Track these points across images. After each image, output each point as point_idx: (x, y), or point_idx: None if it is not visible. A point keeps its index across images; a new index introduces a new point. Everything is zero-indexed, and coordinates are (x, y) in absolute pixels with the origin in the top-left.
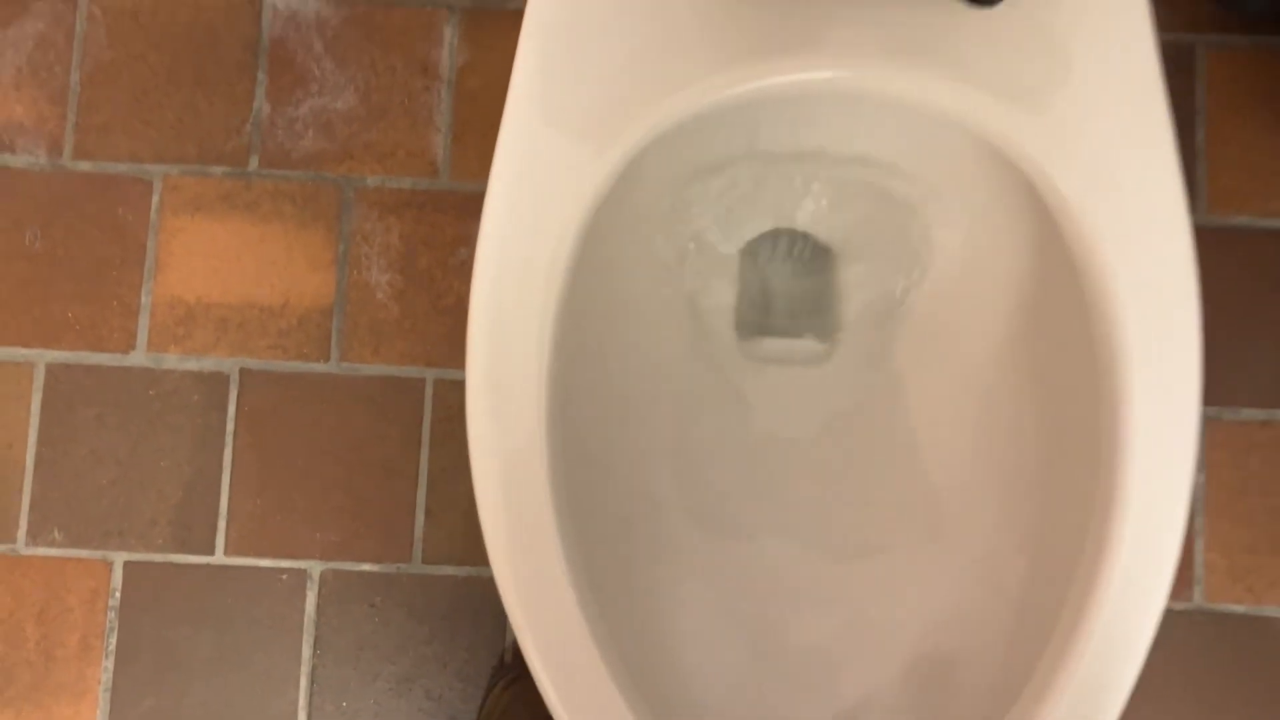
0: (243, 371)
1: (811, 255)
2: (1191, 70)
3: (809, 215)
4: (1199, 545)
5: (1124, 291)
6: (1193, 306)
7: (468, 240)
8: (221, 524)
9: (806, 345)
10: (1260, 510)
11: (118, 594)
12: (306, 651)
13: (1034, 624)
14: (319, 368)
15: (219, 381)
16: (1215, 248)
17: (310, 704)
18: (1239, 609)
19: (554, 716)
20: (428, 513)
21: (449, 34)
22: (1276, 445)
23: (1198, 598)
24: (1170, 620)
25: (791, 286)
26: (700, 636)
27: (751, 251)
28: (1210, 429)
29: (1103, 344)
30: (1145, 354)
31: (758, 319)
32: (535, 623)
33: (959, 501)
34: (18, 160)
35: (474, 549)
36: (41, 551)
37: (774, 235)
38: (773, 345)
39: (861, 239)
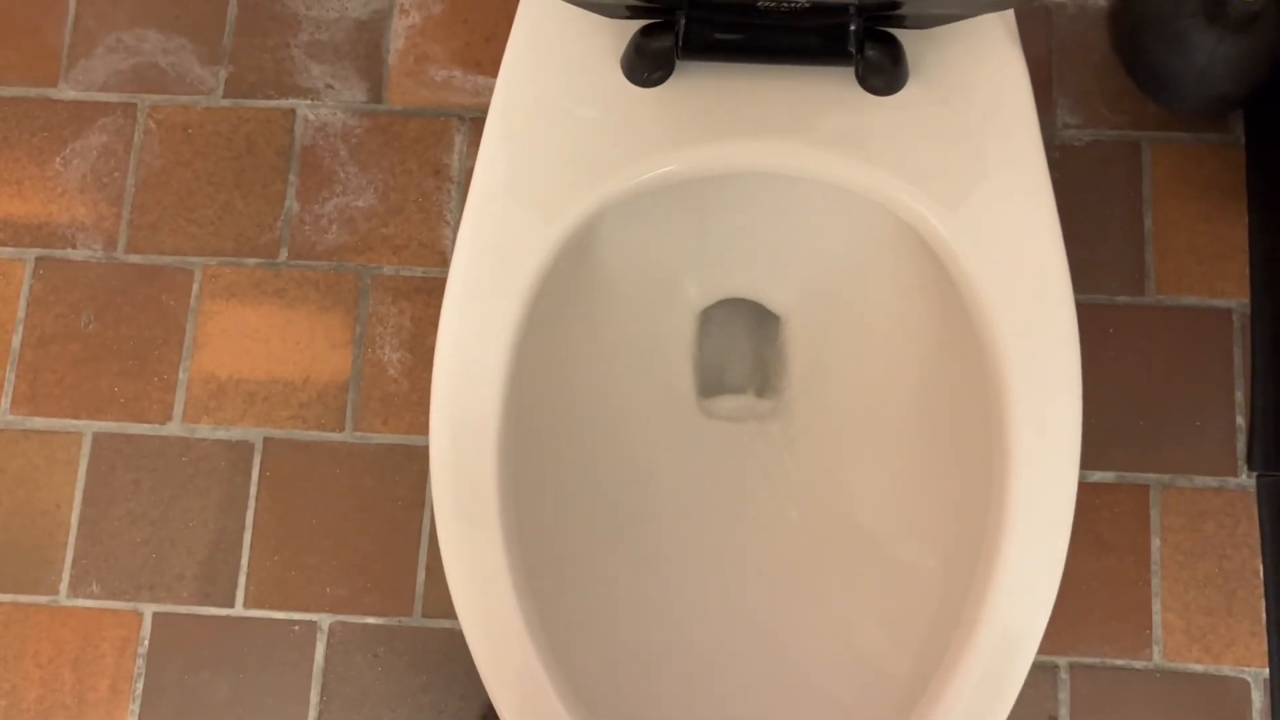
0: (266, 440)
1: (761, 321)
2: (1139, 164)
3: (757, 285)
4: (1156, 606)
5: (1015, 366)
6: (1075, 382)
7: None
8: (242, 579)
9: (754, 402)
10: (1216, 573)
11: (146, 642)
12: (314, 697)
13: (946, 626)
14: (335, 437)
15: (245, 449)
16: (1165, 325)
17: None
18: (1197, 668)
19: None
20: (428, 570)
21: (459, 141)
22: (1229, 510)
23: (1157, 657)
24: (1131, 678)
25: (743, 349)
26: (633, 666)
27: (709, 315)
28: (1165, 495)
29: (995, 408)
30: (1029, 421)
31: (712, 377)
32: (489, 650)
33: (886, 530)
34: (78, 254)
35: None
36: (81, 603)
37: (729, 302)
38: (724, 402)
39: (802, 308)
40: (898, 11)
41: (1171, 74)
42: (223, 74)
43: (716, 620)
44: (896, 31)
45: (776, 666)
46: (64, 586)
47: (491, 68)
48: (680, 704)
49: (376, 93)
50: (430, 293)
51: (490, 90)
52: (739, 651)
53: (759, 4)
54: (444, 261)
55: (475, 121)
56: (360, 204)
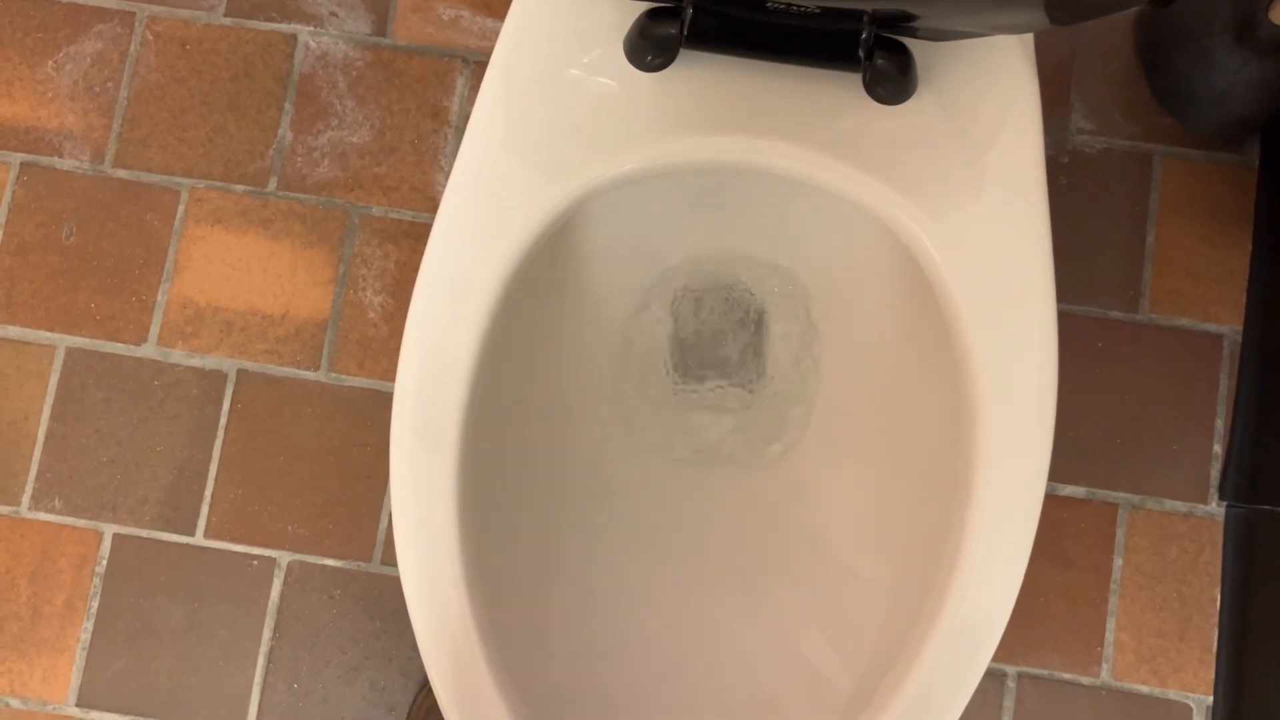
0: (240, 372)
1: (747, 312)
2: (1148, 177)
3: (744, 276)
4: (1110, 625)
5: (989, 383)
6: (1048, 412)
7: None
8: (204, 509)
9: (729, 393)
10: (1173, 598)
11: (104, 562)
12: (267, 634)
13: (893, 642)
14: (309, 375)
15: (218, 379)
16: (1155, 345)
17: (264, 682)
18: (1143, 689)
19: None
20: (391, 518)
21: (461, 84)
22: (1195, 537)
23: (1105, 675)
24: (1076, 693)
25: (725, 338)
26: (569, 648)
27: (694, 300)
28: (1133, 516)
29: (965, 424)
30: (999, 444)
31: (690, 362)
32: (431, 629)
33: (842, 540)
34: (64, 163)
35: None
36: (41, 516)
37: (716, 289)
38: (699, 388)
39: (786, 305)
40: (912, 23)
41: (1192, 91)
42: None
43: (661, 609)
44: (908, 40)
45: (719, 664)
46: (26, 498)
47: (500, 10)
48: (615, 690)
49: (381, 26)
50: (418, 238)
51: (497, 34)
52: (681, 645)
53: (767, 3)
54: (434, 207)
55: (479, 65)
56: (354, 140)
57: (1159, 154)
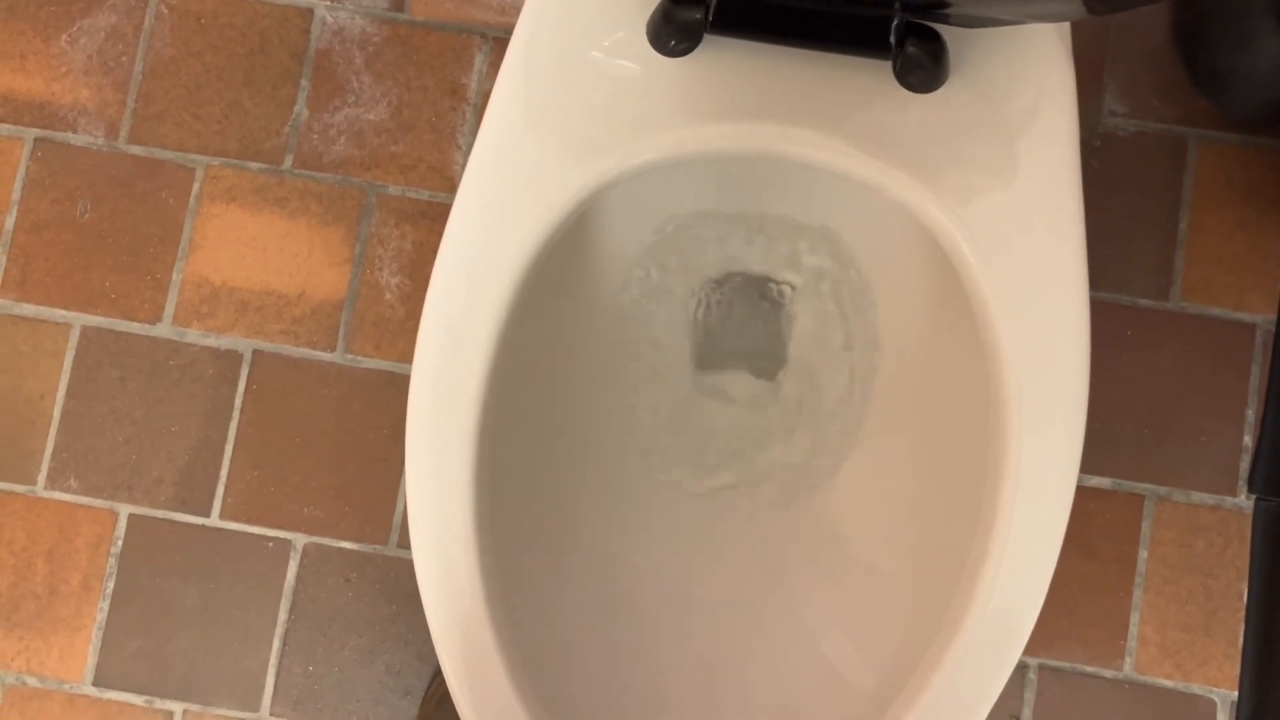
0: (255, 352)
1: (770, 300)
2: (1182, 162)
3: (768, 264)
4: (1134, 618)
5: (1019, 376)
6: (1080, 402)
7: None
8: (220, 490)
9: (751, 382)
10: (1199, 591)
11: (120, 542)
12: (283, 615)
13: (916, 639)
14: (325, 356)
15: (233, 359)
16: (1185, 334)
17: (280, 663)
18: (1167, 684)
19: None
20: (408, 502)
21: (479, 61)
22: (1222, 529)
23: (1128, 668)
24: (1098, 686)
25: (747, 326)
26: (584, 638)
27: (712, 288)
28: (1159, 508)
29: (994, 419)
30: (1030, 435)
31: (715, 353)
32: (442, 610)
33: (865, 537)
34: (78, 139)
35: None
36: (57, 495)
37: (742, 278)
38: (719, 377)
39: (811, 293)
40: (945, 10)
41: (1230, 74)
42: None
43: (679, 604)
44: (940, 28)
45: (739, 661)
46: (42, 477)
47: None
48: (628, 683)
49: (399, 1)
50: (435, 218)
51: (516, 10)
52: (699, 640)
53: None
54: (452, 187)
55: (498, 41)
56: (371, 117)
57: (1194, 138)
